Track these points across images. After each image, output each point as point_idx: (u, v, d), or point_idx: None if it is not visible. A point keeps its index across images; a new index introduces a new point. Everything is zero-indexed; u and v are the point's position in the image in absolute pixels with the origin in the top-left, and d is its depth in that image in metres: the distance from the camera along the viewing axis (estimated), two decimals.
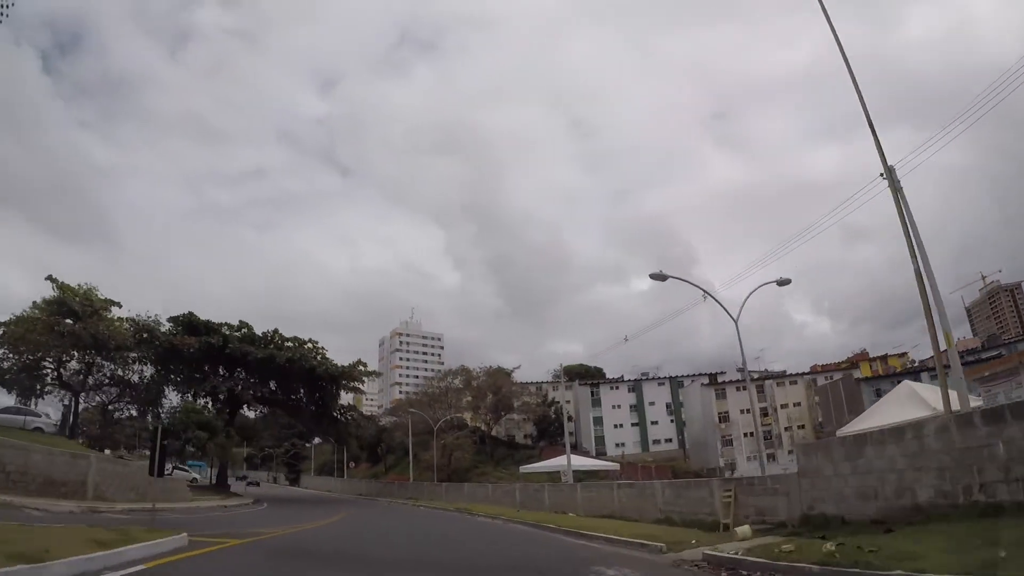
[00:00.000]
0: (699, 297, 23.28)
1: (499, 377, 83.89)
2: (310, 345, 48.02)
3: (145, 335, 40.49)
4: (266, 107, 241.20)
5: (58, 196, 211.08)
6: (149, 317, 41.38)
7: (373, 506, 38.95)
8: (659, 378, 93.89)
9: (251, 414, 53.57)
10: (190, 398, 43.91)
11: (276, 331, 48.19)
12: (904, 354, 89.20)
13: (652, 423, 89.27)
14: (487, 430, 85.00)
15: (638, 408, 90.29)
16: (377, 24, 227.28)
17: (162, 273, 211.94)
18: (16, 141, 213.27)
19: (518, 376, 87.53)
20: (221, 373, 45.30)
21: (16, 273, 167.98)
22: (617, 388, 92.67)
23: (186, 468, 49.10)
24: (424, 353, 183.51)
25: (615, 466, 51.92)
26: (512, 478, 61.75)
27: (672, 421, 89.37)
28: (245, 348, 43.87)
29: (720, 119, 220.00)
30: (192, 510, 24.96)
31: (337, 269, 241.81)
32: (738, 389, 79.75)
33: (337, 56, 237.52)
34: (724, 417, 78.08)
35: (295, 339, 48.20)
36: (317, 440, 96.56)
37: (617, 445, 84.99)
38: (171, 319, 43.34)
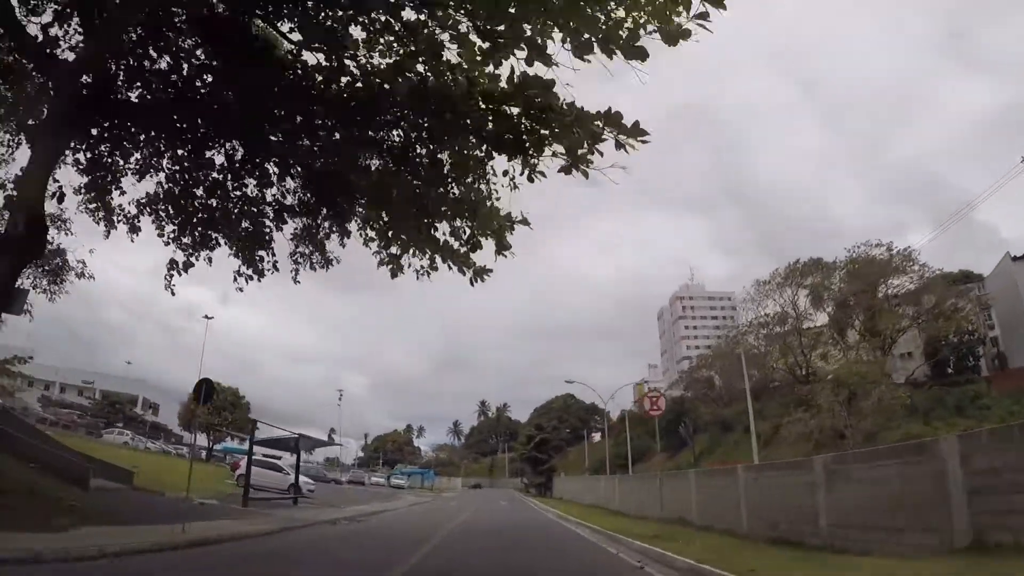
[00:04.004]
0: None
1: (872, 269, 44.19)
2: None
3: None
4: None
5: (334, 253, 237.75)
6: None
7: None
8: None
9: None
10: None
11: None
12: None
13: None
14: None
15: None
16: None
17: (436, 306, 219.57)
18: None
19: None
20: None
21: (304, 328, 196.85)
22: None
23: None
24: (714, 318, 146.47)
25: None
26: None
27: None
28: None
29: (958, 38, 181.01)
30: None
31: (601, 279, 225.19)
32: None
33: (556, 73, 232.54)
34: None
35: None
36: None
37: None
38: None
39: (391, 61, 9.99)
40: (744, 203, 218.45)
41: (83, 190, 12.94)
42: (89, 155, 12.27)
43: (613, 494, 34.08)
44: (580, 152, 8.73)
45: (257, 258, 13.35)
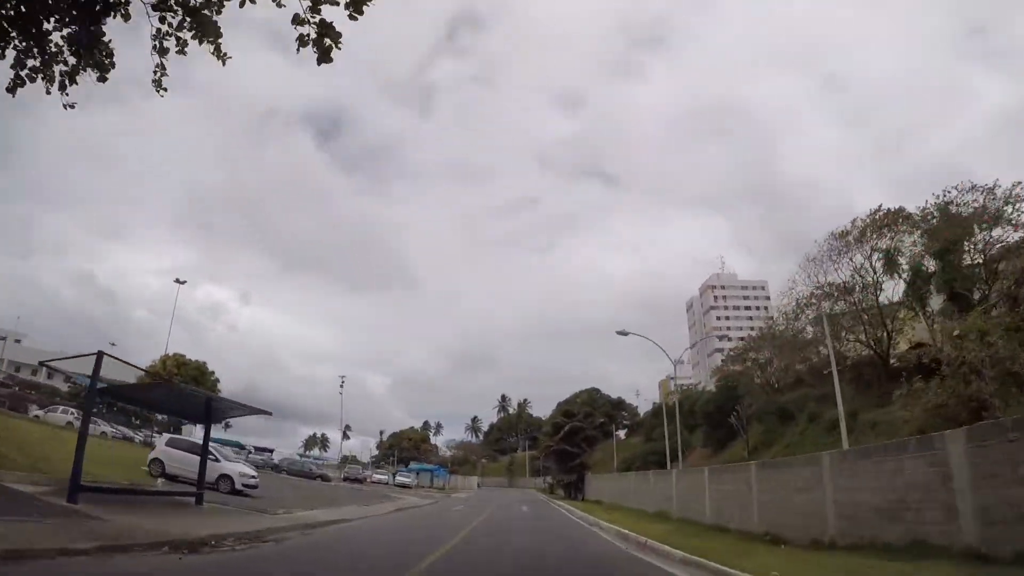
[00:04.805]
0: None
1: (963, 222, 36.18)
2: None
3: None
4: (520, 139, 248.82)
5: (352, 255, 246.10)
6: None
7: None
8: None
9: None
10: None
11: None
12: None
13: None
14: None
15: None
16: (600, 36, 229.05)
17: (454, 305, 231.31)
18: (310, 216, 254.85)
19: None
20: None
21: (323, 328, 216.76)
22: None
23: None
24: (747, 308, 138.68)
25: None
26: None
27: None
28: None
29: (978, 34, 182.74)
30: None
31: (621, 277, 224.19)
32: None
33: (573, 75, 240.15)
34: None
35: None
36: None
37: None
38: None
39: None
40: (767, 199, 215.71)
41: None
42: None
43: (700, 495, 23.32)
44: None
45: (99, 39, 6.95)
